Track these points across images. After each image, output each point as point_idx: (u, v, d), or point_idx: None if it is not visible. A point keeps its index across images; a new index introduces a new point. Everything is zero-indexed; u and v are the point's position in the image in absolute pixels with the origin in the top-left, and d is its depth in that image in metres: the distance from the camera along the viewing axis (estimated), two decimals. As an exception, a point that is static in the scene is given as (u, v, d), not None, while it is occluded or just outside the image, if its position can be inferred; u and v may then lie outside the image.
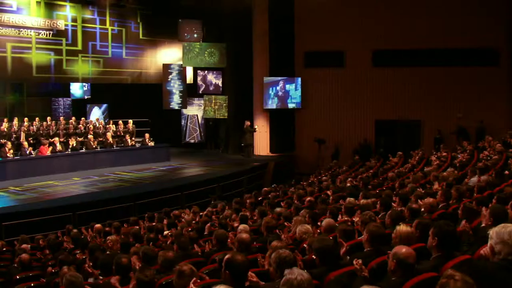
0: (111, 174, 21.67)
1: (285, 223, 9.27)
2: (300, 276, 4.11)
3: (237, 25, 26.80)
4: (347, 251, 6.48)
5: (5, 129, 23.29)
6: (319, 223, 8.84)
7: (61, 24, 24.94)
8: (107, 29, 26.81)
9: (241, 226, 8.65)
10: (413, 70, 24.65)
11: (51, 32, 24.65)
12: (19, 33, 23.63)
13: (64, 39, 25.25)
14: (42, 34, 24.33)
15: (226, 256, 5.13)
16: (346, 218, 9.17)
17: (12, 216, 15.06)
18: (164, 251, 6.88)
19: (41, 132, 23.75)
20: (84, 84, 29.66)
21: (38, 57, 24.34)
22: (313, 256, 6.04)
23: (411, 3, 24.46)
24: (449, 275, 3.75)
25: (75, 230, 12.33)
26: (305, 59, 26.65)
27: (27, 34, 23.85)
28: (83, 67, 26.02)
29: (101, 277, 7.16)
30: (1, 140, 22.57)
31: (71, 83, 29.47)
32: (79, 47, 25.84)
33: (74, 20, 25.59)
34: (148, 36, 28.14)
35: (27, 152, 21.34)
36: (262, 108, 26.58)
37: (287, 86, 26.43)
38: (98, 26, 26.61)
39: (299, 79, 26.56)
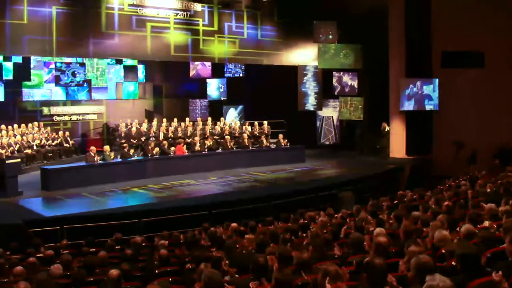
0: (246, 174, 21.99)
1: (424, 229, 9.07)
2: (442, 283, 4.02)
3: (372, 26, 26.45)
4: (489, 259, 6.24)
5: (145, 130, 24.23)
6: (457, 229, 8.58)
7: (197, 6, 25.66)
8: (242, 11, 27.26)
9: (378, 230, 8.52)
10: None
11: (189, 13, 25.44)
12: (158, 14, 24.57)
13: (200, 20, 26.03)
14: (179, 15, 25.17)
15: (365, 259, 5.08)
16: (487, 224, 8.86)
17: (151, 213, 15.64)
18: (299, 252, 6.89)
19: (178, 132, 24.50)
20: (220, 85, 30.31)
21: (176, 37, 25.24)
22: (452, 263, 5.88)
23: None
24: None
25: (211, 228, 12.57)
26: (442, 60, 25.90)
27: (166, 15, 24.76)
28: (219, 47, 26.71)
29: (237, 276, 7.25)
30: (141, 140, 23.54)
31: (208, 84, 30.20)
32: (215, 27, 26.56)
33: (210, 1, 26.25)
34: (283, 18, 28.32)
35: (170, 151, 22.12)
36: (398, 110, 26.09)
37: (424, 88, 25.84)
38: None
39: (437, 80, 25.88)
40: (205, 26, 26.15)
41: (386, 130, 25.36)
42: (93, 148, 20.71)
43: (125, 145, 21.91)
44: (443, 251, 6.91)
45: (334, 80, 28.10)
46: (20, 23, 21.11)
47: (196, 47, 25.98)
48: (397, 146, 26.18)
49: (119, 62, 28.40)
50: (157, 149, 21.89)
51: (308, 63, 28.29)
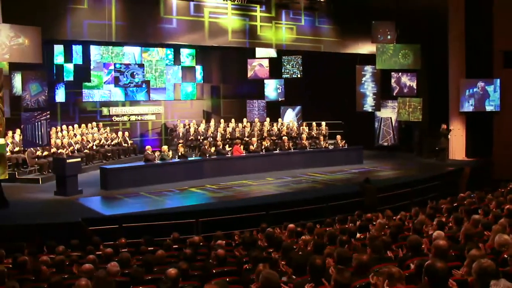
0: (304, 175, 21.92)
1: (485, 232, 8.89)
2: (506, 289, 3.92)
3: (431, 25, 26.05)
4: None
5: (202, 130, 24.42)
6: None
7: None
8: (299, 2, 27.15)
9: (436, 233, 8.39)
10: None
11: None
12: (215, -1, 24.70)
13: (258, 6, 25.91)
14: (237, 1, 25.15)
15: (427, 263, 5.00)
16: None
17: (209, 213, 15.73)
18: (358, 254, 6.83)
19: (236, 133, 24.61)
20: (278, 86, 30.31)
21: (233, 22, 25.16)
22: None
23: None
24: None
25: (269, 229, 12.56)
26: (504, 59, 25.36)
27: (223, 1, 24.75)
28: (276, 33, 26.54)
29: (294, 277, 7.22)
30: (199, 140, 23.73)
31: (266, 85, 30.23)
32: (273, 14, 26.42)
33: (268, 1, 26.27)
34: (340, 17, 28.06)
35: (228, 151, 22.23)
36: (458, 111, 25.64)
37: (486, 88, 25.32)
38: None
39: (498, 80, 25.33)
40: (262, 12, 26.08)
41: (446, 131, 24.93)
42: (148, 147, 21.07)
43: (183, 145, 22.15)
44: (505, 255, 6.77)
45: (393, 80, 27.71)
46: (80, 8, 21.34)
47: (253, 33, 25.88)
48: (457, 148, 25.71)
49: (177, 63, 28.70)
50: (213, 148, 22.01)
51: (366, 64, 27.95)
